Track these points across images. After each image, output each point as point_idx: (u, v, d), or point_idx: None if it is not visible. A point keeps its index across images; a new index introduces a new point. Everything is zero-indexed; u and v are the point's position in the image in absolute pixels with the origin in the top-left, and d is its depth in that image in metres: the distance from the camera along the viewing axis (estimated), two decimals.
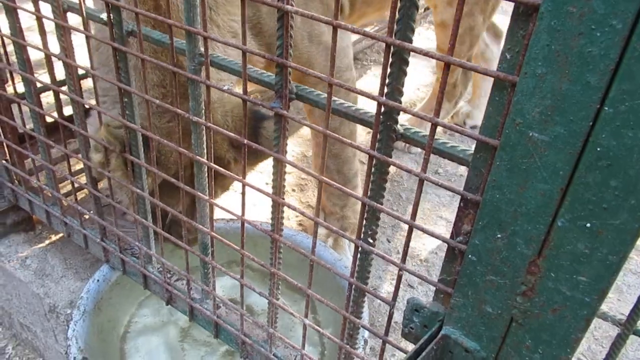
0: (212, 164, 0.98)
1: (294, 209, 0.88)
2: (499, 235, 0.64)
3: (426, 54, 0.63)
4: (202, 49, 0.87)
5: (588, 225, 0.57)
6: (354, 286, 0.90)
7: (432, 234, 0.74)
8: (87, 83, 2.52)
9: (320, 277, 0.97)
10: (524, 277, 0.65)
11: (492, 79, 0.59)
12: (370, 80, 3.34)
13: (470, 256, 0.69)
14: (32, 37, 3.09)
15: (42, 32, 1.18)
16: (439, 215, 2.25)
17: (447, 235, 0.72)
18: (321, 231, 1.93)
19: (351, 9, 1.93)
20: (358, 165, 1.89)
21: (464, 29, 2.34)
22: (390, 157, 0.75)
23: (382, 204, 0.79)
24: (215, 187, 1.34)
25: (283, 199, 0.92)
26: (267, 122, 1.23)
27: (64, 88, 1.20)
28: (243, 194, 0.96)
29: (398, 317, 1.76)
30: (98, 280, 1.41)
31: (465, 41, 2.37)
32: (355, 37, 3.34)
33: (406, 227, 0.79)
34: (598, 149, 0.53)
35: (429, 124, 0.67)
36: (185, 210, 1.13)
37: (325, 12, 1.64)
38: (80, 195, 1.86)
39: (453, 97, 2.67)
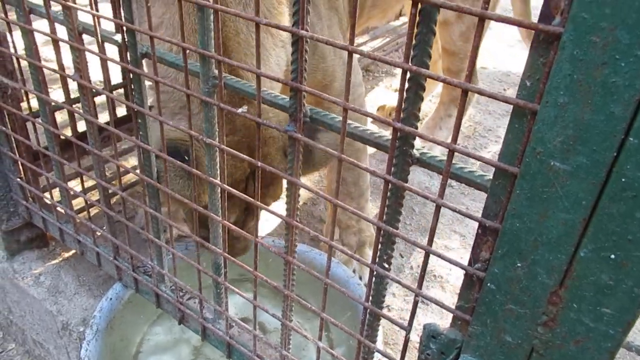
0: (225, 186, 0.97)
1: (309, 232, 0.88)
2: (519, 264, 0.63)
3: (443, 80, 0.62)
4: (216, 72, 0.87)
5: (612, 256, 0.56)
6: (368, 310, 0.89)
7: (449, 261, 0.73)
8: (101, 98, 2.54)
9: (334, 294, 0.96)
10: (545, 307, 0.63)
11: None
12: (382, 92, 3.33)
13: (489, 284, 0.67)
14: (47, 50, 3.12)
15: (57, 50, 1.18)
16: (453, 229, 2.23)
17: (462, 254, 0.71)
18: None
19: (359, 12, 1.95)
20: (369, 176, 1.90)
21: (467, 26, 2.31)
22: (406, 181, 0.74)
23: (397, 228, 0.78)
24: (266, 197, 1.35)
25: (297, 221, 0.91)
26: (320, 134, 1.20)
27: (79, 105, 1.20)
28: (257, 217, 0.95)
29: (412, 336, 1.73)
30: (111, 299, 1.41)
31: (469, 39, 2.34)
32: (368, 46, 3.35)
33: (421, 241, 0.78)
34: (623, 180, 0.52)
35: (440, 131, 0.66)
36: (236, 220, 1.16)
37: (339, 22, 1.65)
38: (95, 210, 1.86)
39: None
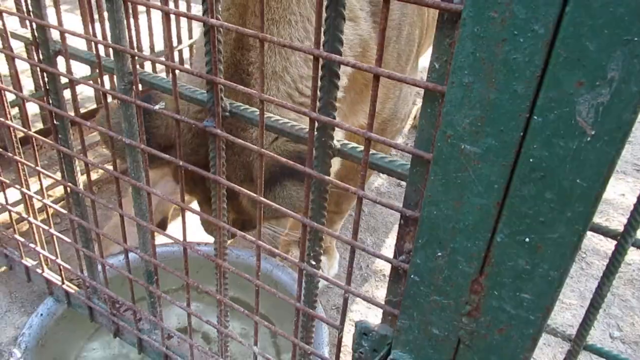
0: (150, 189, 0.93)
1: (244, 237, 0.84)
2: (439, 254, 0.61)
3: (354, 65, 0.60)
4: (131, 67, 0.83)
5: (527, 240, 0.54)
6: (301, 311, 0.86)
7: (373, 254, 0.70)
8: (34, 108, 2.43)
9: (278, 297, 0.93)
10: (467, 296, 0.62)
11: None
12: None
13: (412, 276, 0.65)
14: None
15: None
16: (397, 217, 2.22)
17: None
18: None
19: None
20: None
21: None
22: (328, 174, 0.71)
23: (323, 223, 0.75)
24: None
25: (224, 221, 0.87)
26: (290, 182, 0.99)
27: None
28: (183, 217, 0.91)
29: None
30: (42, 315, 1.33)
31: None
32: None
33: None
34: (531, 160, 0.50)
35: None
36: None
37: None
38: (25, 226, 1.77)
39: None
